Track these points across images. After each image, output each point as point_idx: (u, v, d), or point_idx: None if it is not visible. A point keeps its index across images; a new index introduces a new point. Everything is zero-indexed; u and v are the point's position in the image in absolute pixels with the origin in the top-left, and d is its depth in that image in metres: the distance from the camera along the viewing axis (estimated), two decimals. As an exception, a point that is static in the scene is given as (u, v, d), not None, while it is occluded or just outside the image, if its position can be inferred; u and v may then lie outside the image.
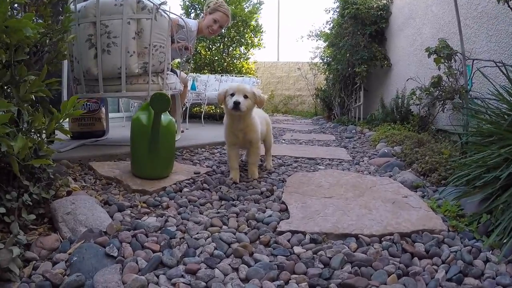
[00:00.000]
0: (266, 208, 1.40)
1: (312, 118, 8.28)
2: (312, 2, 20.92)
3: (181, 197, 1.47)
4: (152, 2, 2.20)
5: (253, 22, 8.62)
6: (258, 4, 8.72)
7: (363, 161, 2.54)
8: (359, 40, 5.21)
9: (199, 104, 5.58)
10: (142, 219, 1.26)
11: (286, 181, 1.75)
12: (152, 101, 1.53)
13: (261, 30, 8.80)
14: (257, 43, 8.93)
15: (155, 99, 1.53)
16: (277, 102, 11.23)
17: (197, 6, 7.50)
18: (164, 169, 1.71)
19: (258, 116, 1.93)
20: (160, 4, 2.20)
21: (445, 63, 2.61)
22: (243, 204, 1.41)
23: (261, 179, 1.80)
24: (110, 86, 2.29)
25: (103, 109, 3.06)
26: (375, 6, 5.34)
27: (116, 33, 2.16)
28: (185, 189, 1.57)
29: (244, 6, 8.50)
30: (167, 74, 2.38)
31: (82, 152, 2.18)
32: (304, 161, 2.43)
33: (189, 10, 7.54)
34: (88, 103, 2.97)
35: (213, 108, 6.91)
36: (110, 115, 4.84)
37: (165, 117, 1.66)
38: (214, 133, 3.63)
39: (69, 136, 1.48)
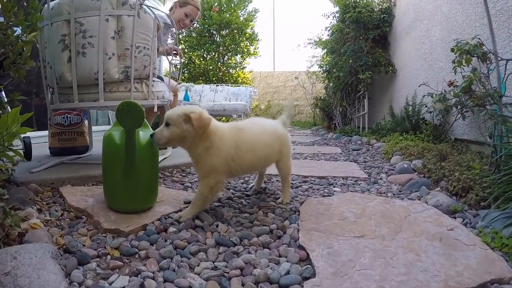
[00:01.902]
0: (280, 256, 1.03)
1: (312, 129, 7.93)
2: (308, 10, 20.88)
3: (165, 241, 1.09)
4: (134, -3, 1.88)
5: (248, 30, 8.43)
6: (253, 12, 8.53)
7: (381, 178, 2.20)
8: (362, 45, 4.92)
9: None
10: (109, 280, 0.90)
11: (299, 212, 1.39)
12: (119, 115, 1.13)
13: (257, 39, 8.59)
14: (253, 52, 8.72)
15: (122, 112, 1.12)
16: (274, 112, 10.93)
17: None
18: (145, 200, 1.32)
19: (269, 132, 1.48)
20: (144, -1, 1.88)
21: (463, 66, 2.33)
22: (249, 252, 1.04)
23: (268, 209, 1.43)
24: (86, 95, 1.96)
25: (86, 122, 2.72)
26: (377, 9, 5.08)
27: (92, 32, 1.84)
28: (172, 228, 1.18)
29: (240, 14, 8.30)
30: (153, 80, 2.04)
31: (57, 173, 1.86)
32: (314, 181, 2.07)
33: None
34: (68, 115, 2.65)
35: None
36: (100, 127, 4.48)
37: (145, 134, 1.29)
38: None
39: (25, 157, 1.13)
